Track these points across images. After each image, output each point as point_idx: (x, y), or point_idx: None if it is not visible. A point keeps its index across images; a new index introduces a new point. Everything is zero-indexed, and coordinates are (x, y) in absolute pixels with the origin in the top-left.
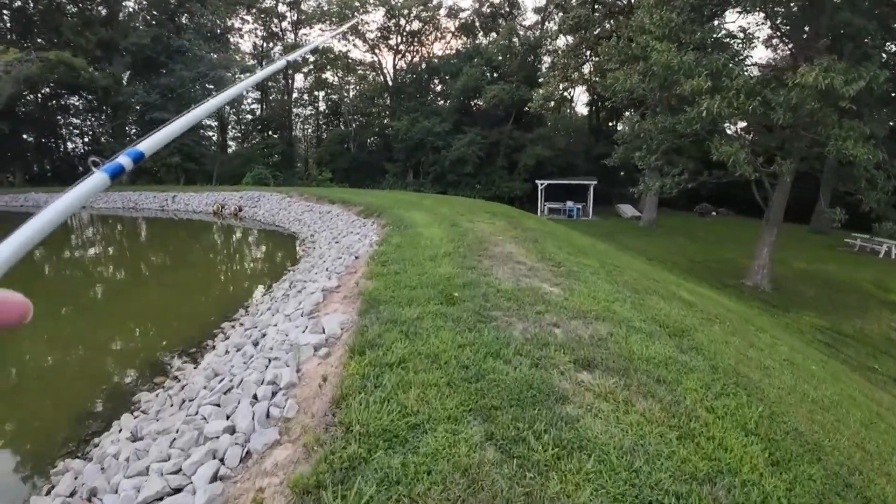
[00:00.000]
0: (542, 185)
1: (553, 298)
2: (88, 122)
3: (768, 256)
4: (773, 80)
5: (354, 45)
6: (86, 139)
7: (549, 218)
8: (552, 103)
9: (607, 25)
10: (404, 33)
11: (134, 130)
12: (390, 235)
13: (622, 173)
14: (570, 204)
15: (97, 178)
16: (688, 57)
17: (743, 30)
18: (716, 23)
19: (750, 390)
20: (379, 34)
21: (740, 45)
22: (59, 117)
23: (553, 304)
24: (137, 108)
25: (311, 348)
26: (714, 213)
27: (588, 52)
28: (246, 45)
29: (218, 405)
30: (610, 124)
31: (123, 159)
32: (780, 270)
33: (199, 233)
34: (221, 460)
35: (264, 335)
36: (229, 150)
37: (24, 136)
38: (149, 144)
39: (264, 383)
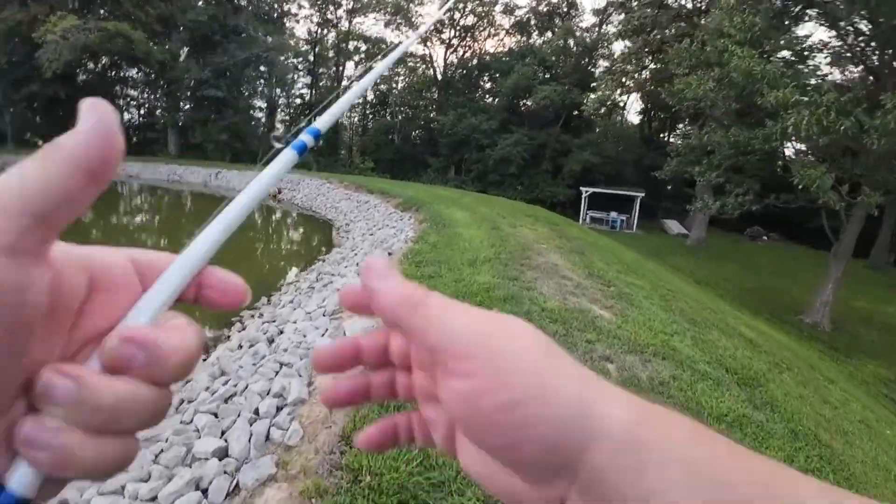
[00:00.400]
0: (586, 192)
1: (604, 325)
2: (145, 95)
3: (832, 294)
4: (865, 100)
5: (407, 36)
6: (142, 111)
7: (591, 227)
8: (603, 109)
9: (669, 32)
10: (458, 27)
11: (187, 106)
12: (427, 233)
13: (669, 187)
14: (613, 214)
15: (288, 154)
16: (772, 66)
17: (825, 44)
18: (788, 35)
19: (835, 465)
20: (432, 27)
21: (826, 60)
22: (118, 88)
23: (605, 333)
24: (191, 83)
25: None
26: (765, 238)
27: (649, 57)
28: (301, 30)
29: (215, 415)
30: (662, 135)
31: (306, 137)
32: (838, 309)
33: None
34: (204, 492)
35: (281, 332)
36: (277, 132)
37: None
38: (324, 121)
39: (270, 395)
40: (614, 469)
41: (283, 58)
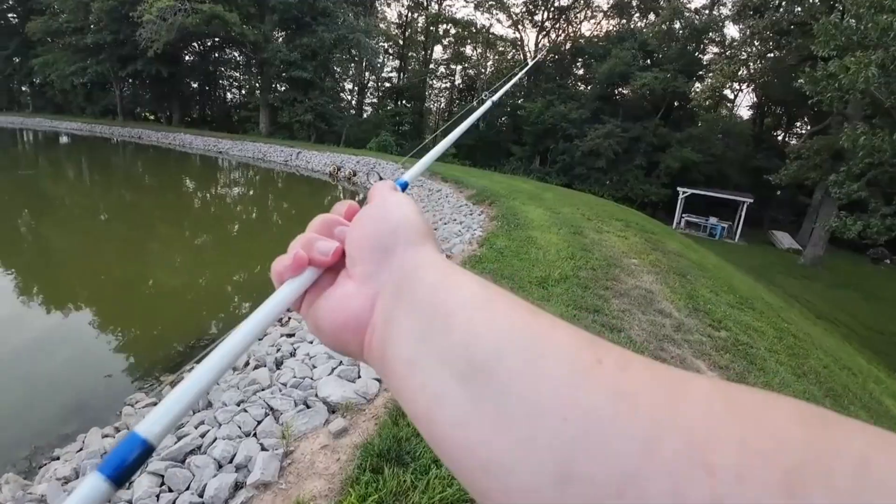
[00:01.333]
0: (683, 193)
1: None
2: (245, 77)
3: None
4: None
5: (497, 19)
6: (242, 91)
7: (686, 233)
8: (708, 101)
9: (799, 10)
10: (552, 9)
11: (283, 87)
12: (496, 235)
13: (779, 193)
14: (713, 220)
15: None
16: None
17: None
18: None
19: None
20: (524, 8)
21: None
22: (222, 68)
23: None
24: (281, 66)
25: (323, 411)
26: (887, 262)
27: (772, 42)
28: (392, 13)
29: (162, 477)
30: (775, 133)
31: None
32: None
33: (308, 191)
34: None
35: (293, 353)
36: (365, 114)
37: (188, 82)
38: (412, 174)
39: (231, 462)
40: (415, 275)
41: (370, 41)
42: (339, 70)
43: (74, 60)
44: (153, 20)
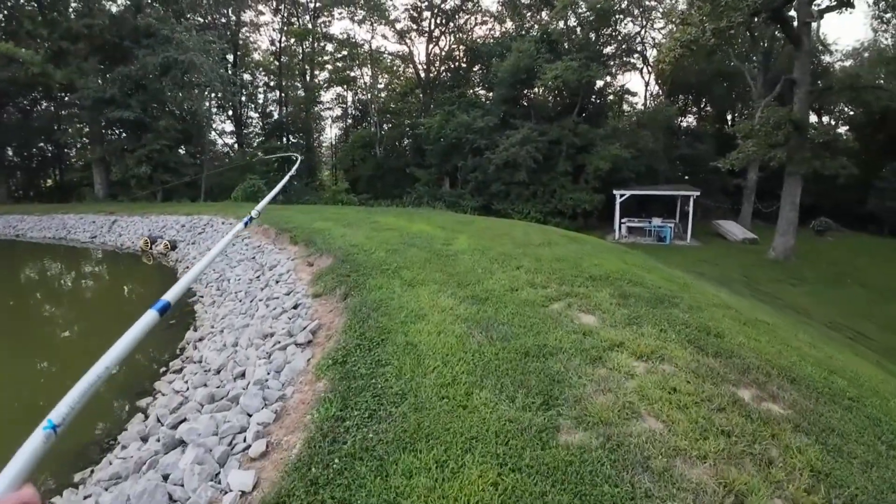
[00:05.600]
0: (621, 196)
1: None
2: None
3: None
4: None
5: (383, 35)
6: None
7: (630, 241)
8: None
9: None
10: (438, 14)
11: (113, 135)
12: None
13: (694, 177)
14: (657, 222)
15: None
16: None
17: None
18: None
19: None
20: (408, 16)
21: None
22: (65, 126)
23: None
24: (92, 106)
25: None
26: (830, 233)
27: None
28: (263, 40)
29: None
30: (679, 120)
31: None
32: None
33: (100, 281)
34: None
35: None
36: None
37: (19, 147)
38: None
39: None
40: None
41: (203, 57)
42: (191, 104)
43: None
44: None
